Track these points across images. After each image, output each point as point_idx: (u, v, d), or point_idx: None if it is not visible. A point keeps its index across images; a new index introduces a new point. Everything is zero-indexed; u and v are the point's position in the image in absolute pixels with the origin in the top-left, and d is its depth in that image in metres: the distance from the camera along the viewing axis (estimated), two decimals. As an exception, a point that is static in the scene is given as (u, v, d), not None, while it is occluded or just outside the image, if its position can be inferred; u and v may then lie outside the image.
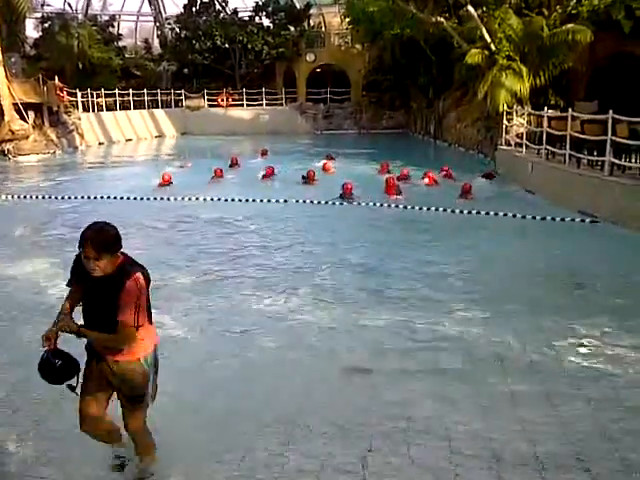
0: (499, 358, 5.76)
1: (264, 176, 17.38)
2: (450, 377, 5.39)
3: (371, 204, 13.10)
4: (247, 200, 14.07)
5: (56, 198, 15.04)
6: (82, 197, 14.92)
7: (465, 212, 12.23)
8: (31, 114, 25.97)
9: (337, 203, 13.46)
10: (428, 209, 12.46)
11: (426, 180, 15.86)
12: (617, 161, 11.27)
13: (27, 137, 24.64)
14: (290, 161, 20.48)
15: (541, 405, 4.89)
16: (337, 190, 13.90)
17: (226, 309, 7.22)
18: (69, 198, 14.94)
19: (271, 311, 7.08)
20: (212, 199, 14.21)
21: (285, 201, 13.67)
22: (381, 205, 12.93)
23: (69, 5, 39.83)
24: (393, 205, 12.76)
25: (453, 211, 12.34)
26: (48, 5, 38.50)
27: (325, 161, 19.82)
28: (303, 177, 16.45)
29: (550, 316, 6.75)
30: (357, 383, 5.38)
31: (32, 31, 38.15)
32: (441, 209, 12.38)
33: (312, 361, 5.81)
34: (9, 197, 15.20)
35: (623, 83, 17.15)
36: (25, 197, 15.22)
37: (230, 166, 19.65)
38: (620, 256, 9.23)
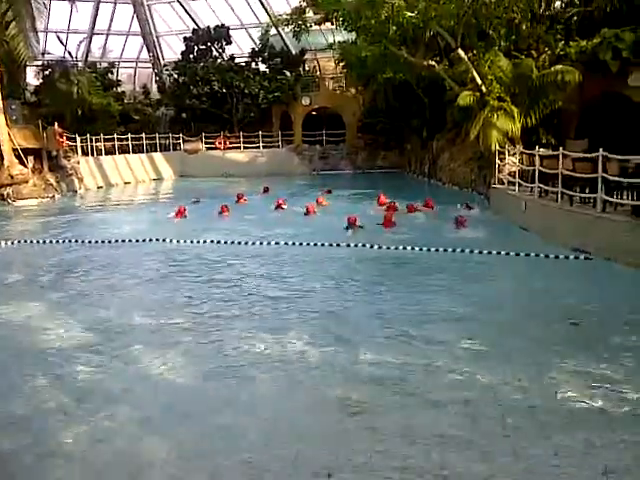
0: (498, 397, 5.80)
1: (276, 207, 19.52)
2: (450, 416, 5.44)
3: (368, 246, 13.15)
4: (246, 243, 14.22)
5: (57, 242, 15.16)
6: (82, 241, 15.02)
7: (459, 250, 12.32)
8: (30, 159, 26.27)
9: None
10: (428, 249, 12.52)
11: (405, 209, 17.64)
12: (609, 198, 11.45)
13: (26, 182, 24.88)
14: (290, 198, 21.43)
15: (539, 442, 4.93)
16: (332, 219, 16.40)
17: (221, 350, 7.27)
18: (69, 242, 15.06)
19: (270, 353, 7.14)
20: (212, 241, 14.36)
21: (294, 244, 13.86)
22: (379, 247, 12.97)
23: (69, 53, 40.67)
24: (384, 246, 12.84)
25: (446, 250, 12.39)
26: (49, 53, 39.25)
27: (320, 195, 21.61)
28: (304, 211, 18.31)
29: (546, 353, 6.81)
30: (354, 426, 5.41)
31: (33, 79, 38.85)
32: (441, 248, 12.45)
33: (309, 404, 5.86)
34: (8, 243, 15.30)
35: (612, 121, 17.50)
36: (25, 241, 15.32)
37: (236, 202, 21.06)
38: (614, 292, 9.32)
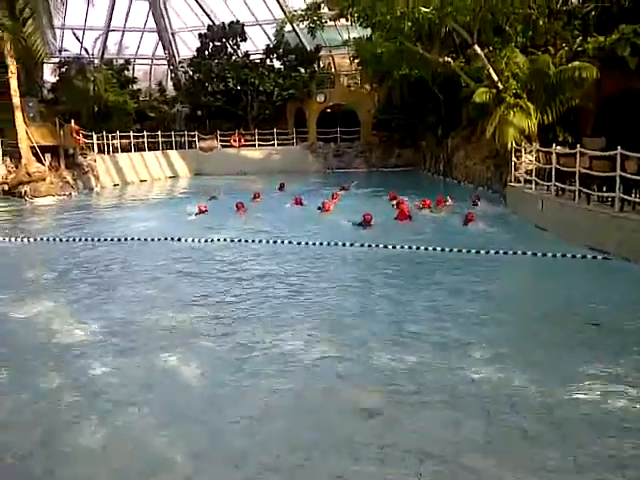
0: (513, 398, 5.76)
1: (294, 203, 19.81)
2: (464, 416, 5.41)
3: (382, 245, 13.10)
4: (260, 241, 14.24)
5: (74, 240, 15.26)
6: (98, 239, 15.11)
7: (474, 251, 12.23)
8: (47, 157, 26.49)
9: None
10: (443, 250, 12.46)
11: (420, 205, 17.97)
12: (627, 197, 11.32)
13: (43, 179, 25.06)
14: (306, 195, 21.43)
15: (556, 446, 4.89)
16: (346, 215, 16.54)
17: (236, 349, 7.28)
18: (85, 240, 15.16)
19: (283, 351, 7.14)
20: (226, 239, 14.40)
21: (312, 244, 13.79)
22: (393, 247, 12.92)
23: (85, 50, 40.97)
24: (407, 246, 12.77)
25: (460, 251, 12.30)
26: (65, 50, 39.57)
27: (335, 192, 21.81)
28: (319, 208, 18.34)
29: (565, 355, 6.75)
30: (368, 426, 5.40)
31: (49, 76, 39.19)
32: (455, 249, 12.38)
33: (323, 403, 5.85)
34: (25, 239, 15.44)
35: (630, 119, 17.29)
36: (42, 239, 15.45)
37: (253, 199, 21.36)
38: (633, 293, 9.21)
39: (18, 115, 24.58)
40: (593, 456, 4.72)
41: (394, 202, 18.62)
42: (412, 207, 17.71)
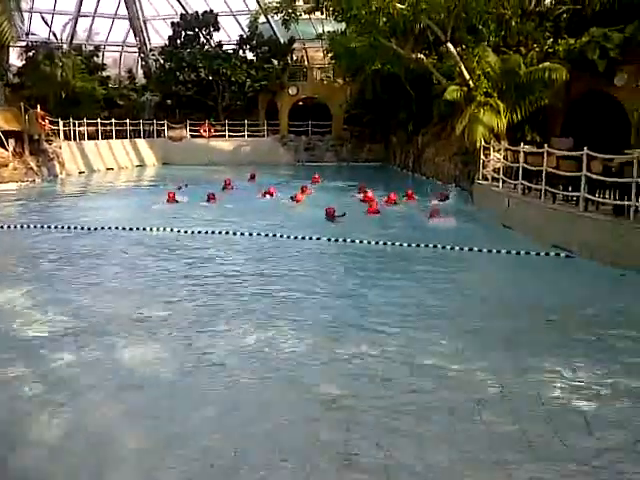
0: (473, 391, 5.78)
1: (265, 194, 19.89)
2: (428, 412, 5.39)
3: (348, 240, 13.08)
4: (234, 233, 14.08)
5: (35, 227, 14.91)
6: (62, 227, 14.77)
7: (441, 246, 12.28)
8: (11, 142, 25.84)
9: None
10: (409, 245, 12.48)
11: (385, 200, 18.23)
12: (591, 197, 11.46)
13: (6, 165, 24.47)
14: (277, 187, 21.57)
15: (516, 441, 4.90)
16: (317, 206, 16.49)
17: (204, 341, 7.17)
18: (47, 227, 14.81)
19: (248, 343, 7.06)
20: (193, 232, 14.19)
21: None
22: (360, 242, 12.91)
23: (54, 35, 39.95)
24: (373, 242, 12.78)
25: (427, 246, 12.34)
26: (33, 34, 38.53)
27: (308, 184, 22.13)
28: (291, 197, 18.80)
29: (523, 351, 6.80)
30: (333, 417, 5.35)
31: (16, 60, 38.19)
32: (422, 245, 12.40)
33: (289, 394, 5.79)
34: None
35: (597, 120, 17.55)
36: (2, 227, 15.04)
37: (223, 188, 21.35)
38: (594, 291, 9.33)
39: (-19, 98, 23.95)
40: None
41: (361, 195, 19.17)
42: (380, 201, 17.87)
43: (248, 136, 38.31)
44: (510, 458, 4.61)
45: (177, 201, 18.55)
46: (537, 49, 20.06)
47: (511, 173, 15.55)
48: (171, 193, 18.88)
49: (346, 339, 7.16)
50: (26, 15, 32.29)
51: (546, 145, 13.51)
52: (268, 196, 19.86)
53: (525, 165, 14.18)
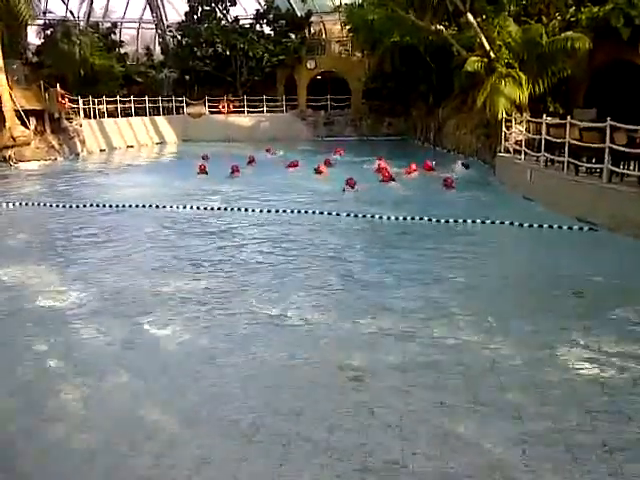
0: (497, 367, 5.81)
1: (290, 165, 21.22)
2: (449, 386, 5.44)
3: (368, 216, 13.15)
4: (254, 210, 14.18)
5: (57, 206, 15.10)
6: (84, 205, 14.97)
7: (462, 220, 12.25)
8: (32, 121, 26.07)
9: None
10: (429, 220, 12.46)
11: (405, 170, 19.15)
12: (615, 168, 11.32)
13: (28, 144, 24.72)
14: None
15: (537, 413, 4.94)
16: (340, 178, 16.99)
17: (228, 317, 7.28)
18: (70, 206, 15.00)
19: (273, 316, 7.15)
20: (213, 208, 14.33)
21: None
22: (380, 218, 12.94)
23: (71, 12, 40.01)
24: (393, 217, 12.77)
25: (448, 221, 12.31)
26: (50, 12, 38.55)
27: (328, 157, 23.04)
28: (315, 170, 19.82)
29: (549, 324, 6.79)
30: (354, 391, 5.43)
31: (34, 38, 38.31)
32: (442, 220, 12.38)
33: (312, 369, 5.87)
34: (10, 205, 15.26)
35: (621, 90, 17.20)
36: (27, 204, 15.27)
37: (248, 163, 22.46)
38: (618, 263, 9.26)
39: (1, 78, 24.13)
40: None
41: (375, 165, 20.12)
42: (399, 172, 18.77)
43: (267, 112, 38.19)
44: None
45: (207, 172, 19.83)
46: (559, 18, 19.67)
47: (533, 145, 15.37)
48: (202, 165, 20.23)
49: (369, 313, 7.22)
50: (43, -7, 32.39)
51: (569, 117, 13.32)
52: (292, 169, 20.90)
53: (547, 137, 14.01)
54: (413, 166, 19.38)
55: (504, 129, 18.08)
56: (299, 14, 38.54)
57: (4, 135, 24.28)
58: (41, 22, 36.43)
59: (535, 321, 6.91)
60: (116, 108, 33.68)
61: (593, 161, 12.26)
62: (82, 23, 39.42)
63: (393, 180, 17.57)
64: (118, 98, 33.97)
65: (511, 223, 11.84)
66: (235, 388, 5.48)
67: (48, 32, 36.44)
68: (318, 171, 19.78)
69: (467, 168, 20.09)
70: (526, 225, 11.68)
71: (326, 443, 4.50)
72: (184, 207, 14.39)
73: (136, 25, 45.83)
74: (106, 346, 6.52)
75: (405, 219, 12.67)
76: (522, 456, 4.29)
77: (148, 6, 43.55)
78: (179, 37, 39.69)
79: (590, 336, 6.36)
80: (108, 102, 33.12)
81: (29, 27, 34.67)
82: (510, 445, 4.43)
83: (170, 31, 41.51)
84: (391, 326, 6.79)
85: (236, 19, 39.38)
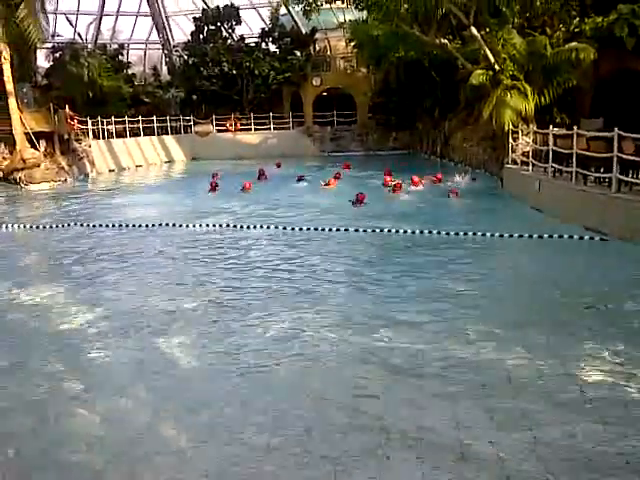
0: (511, 378, 5.79)
1: (299, 178, 21.72)
2: (463, 398, 5.43)
3: (377, 230, 13.16)
4: (262, 226, 14.23)
5: (68, 225, 15.21)
6: (93, 225, 15.07)
7: (471, 233, 12.24)
8: (42, 143, 26.32)
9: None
10: (438, 233, 12.45)
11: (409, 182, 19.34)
12: (624, 178, 11.31)
13: (38, 165, 24.92)
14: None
15: (553, 424, 4.92)
16: (348, 191, 17.52)
17: (235, 331, 7.30)
18: (81, 225, 15.11)
19: (280, 334, 7.16)
20: (228, 225, 14.41)
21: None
22: (389, 231, 12.95)
23: (79, 35, 40.56)
24: (402, 231, 12.78)
25: (458, 233, 12.30)
26: (59, 35, 39.09)
27: (338, 171, 23.20)
28: (324, 183, 20.32)
29: (562, 335, 6.77)
30: (367, 407, 5.42)
31: (43, 61, 38.80)
32: (452, 232, 12.37)
33: (322, 385, 5.87)
34: (21, 226, 15.39)
35: (627, 100, 17.23)
36: (37, 227, 15.38)
37: (258, 178, 22.85)
38: (630, 273, 9.22)
39: (12, 101, 24.40)
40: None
41: (385, 178, 20.31)
42: (406, 184, 19.07)
43: (274, 129, 38.39)
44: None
45: (217, 189, 20.23)
46: (563, 29, 19.77)
47: (540, 156, 15.38)
48: (213, 182, 20.65)
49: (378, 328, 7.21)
50: (51, 17, 32.83)
51: (575, 127, 13.34)
52: (302, 182, 21.46)
53: (555, 148, 14.03)
54: (416, 178, 19.60)
55: (511, 141, 18.11)
56: (304, 31, 38.82)
57: (14, 157, 24.54)
58: (50, 45, 36.91)
59: (549, 331, 6.89)
60: (124, 128, 33.95)
61: (601, 171, 12.25)
62: (90, 45, 39.91)
63: (401, 191, 18.04)
64: (126, 118, 34.25)
65: (520, 235, 11.82)
66: (249, 406, 5.49)
67: (57, 55, 36.88)
68: (327, 185, 20.23)
69: (474, 180, 20.28)
70: (536, 236, 11.66)
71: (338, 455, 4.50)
72: (193, 225, 14.46)
73: (143, 46, 46.33)
74: (120, 365, 6.55)
75: (414, 232, 12.65)
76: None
77: (155, 27, 44.06)
78: (186, 57, 40.06)
79: (603, 347, 6.33)
80: (116, 122, 33.40)
81: (38, 50, 35.17)
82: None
83: (177, 51, 41.91)
84: (403, 339, 6.79)
85: (242, 38, 39.73)
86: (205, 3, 40.30)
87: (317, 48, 40.34)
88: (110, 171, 30.92)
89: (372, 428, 4.95)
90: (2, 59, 23.92)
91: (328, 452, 4.62)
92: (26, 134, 25.08)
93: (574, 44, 17.81)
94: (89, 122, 30.92)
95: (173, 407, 5.58)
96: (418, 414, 5.16)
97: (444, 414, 5.13)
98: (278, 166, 27.46)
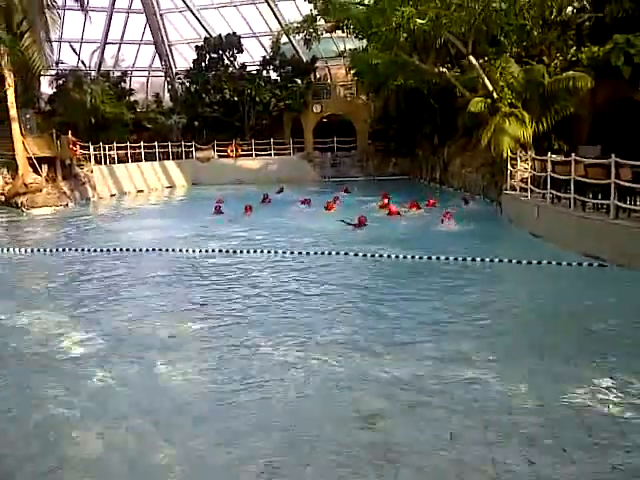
0: (510, 404, 5.80)
1: (302, 202, 22.04)
2: (463, 422, 5.43)
3: (377, 255, 13.22)
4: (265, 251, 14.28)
5: (69, 250, 15.26)
6: (94, 250, 15.10)
7: (470, 259, 12.28)
8: (44, 168, 26.52)
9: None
10: (437, 258, 12.50)
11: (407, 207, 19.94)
12: (622, 204, 11.39)
13: (40, 190, 25.07)
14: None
15: (552, 450, 4.92)
16: (348, 214, 18.10)
17: (238, 359, 7.30)
18: (82, 250, 15.16)
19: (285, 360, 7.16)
20: (221, 250, 14.45)
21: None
22: (388, 257, 13.00)
23: (82, 62, 41.07)
24: (402, 256, 12.83)
25: (456, 259, 12.35)
26: (62, 63, 39.62)
27: (337, 194, 24.01)
28: (325, 207, 20.77)
29: (561, 362, 6.78)
30: (367, 434, 5.43)
31: (47, 88, 39.23)
32: (451, 257, 12.42)
33: (324, 412, 5.87)
34: (22, 250, 15.44)
35: (624, 127, 17.42)
36: (39, 250, 15.44)
37: (262, 202, 23.51)
38: (629, 299, 9.25)
39: (15, 127, 24.65)
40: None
41: (384, 201, 20.97)
42: (404, 209, 19.59)
43: (274, 154, 38.67)
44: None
45: (222, 212, 20.79)
46: (560, 58, 20.05)
47: (539, 182, 15.49)
48: (217, 206, 21.19)
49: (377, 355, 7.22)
50: (55, 45, 33.30)
51: (573, 154, 13.47)
52: (304, 205, 21.84)
53: (553, 174, 14.13)
54: (413, 203, 20.18)
55: (509, 167, 18.26)
56: (304, 60, 39.33)
57: (17, 182, 24.70)
58: (54, 72, 37.38)
59: (548, 358, 6.90)
60: (126, 154, 34.20)
61: (599, 197, 12.34)
62: (93, 72, 40.41)
63: (399, 215, 18.58)
64: (128, 144, 34.51)
65: (519, 261, 11.85)
66: (246, 430, 5.49)
67: (60, 82, 37.34)
68: (328, 208, 20.60)
69: (467, 203, 20.92)
70: (535, 262, 11.70)
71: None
72: (193, 250, 14.50)
73: (146, 73, 46.90)
74: (118, 388, 6.55)
75: (414, 257, 12.69)
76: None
77: (157, 55, 44.65)
78: (187, 84, 40.51)
79: (603, 373, 6.34)
80: (118, 148, 33.67)
81: (42, 77, 35.60)
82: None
83: (179, 78, 42.40)
84: (405, 364, 6.80)
85: (243, 66, 40.21)
86: (207, 32, 40.87)
87: (318, 76, 40.86)
88: (112, 196, 31.07)
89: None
90: (6, 85, 24.23)
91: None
92: (29, 159, 25.28)
93: (571, 73, 18.06)
94: (91, 147, 31.18)
95: (168, 431, 5.57)
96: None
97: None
98: (280, 191, 27.64)
